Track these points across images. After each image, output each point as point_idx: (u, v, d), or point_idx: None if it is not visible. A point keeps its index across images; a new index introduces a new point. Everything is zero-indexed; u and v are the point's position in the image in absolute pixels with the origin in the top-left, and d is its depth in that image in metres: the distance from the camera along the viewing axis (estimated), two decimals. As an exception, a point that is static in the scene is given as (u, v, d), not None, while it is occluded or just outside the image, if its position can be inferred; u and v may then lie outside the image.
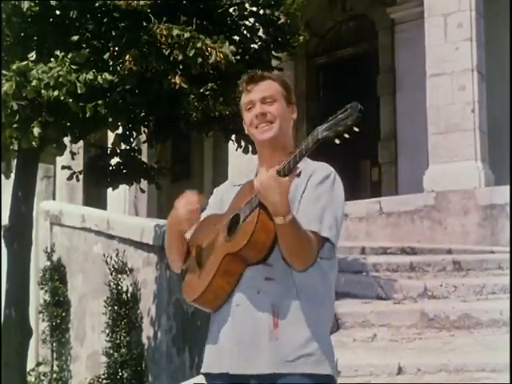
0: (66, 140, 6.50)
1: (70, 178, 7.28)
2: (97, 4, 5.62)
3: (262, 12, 6.41)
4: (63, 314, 9.98)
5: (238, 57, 5.76)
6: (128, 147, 7.21)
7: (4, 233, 6.99)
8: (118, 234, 9.08)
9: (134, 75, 5.65)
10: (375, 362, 4.57)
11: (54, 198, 12.06)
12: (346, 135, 2.13)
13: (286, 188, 2.15)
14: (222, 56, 5.41)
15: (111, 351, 8.39)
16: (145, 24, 5.52)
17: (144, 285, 8.49)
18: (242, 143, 6.58)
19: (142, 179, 7.46)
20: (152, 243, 8.25)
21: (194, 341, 7.38)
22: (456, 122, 8.55)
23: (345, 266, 6.60)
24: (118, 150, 7.24)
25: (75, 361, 9.83)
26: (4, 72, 5.46)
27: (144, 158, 8.01)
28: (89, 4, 5.67)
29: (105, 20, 5.68)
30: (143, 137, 7.35)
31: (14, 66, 5.42)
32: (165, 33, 5.38)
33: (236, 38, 6.21)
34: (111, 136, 7.35)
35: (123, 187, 8.29)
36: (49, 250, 10.38)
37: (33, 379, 9.86)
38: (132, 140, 7.14)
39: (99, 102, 5.60)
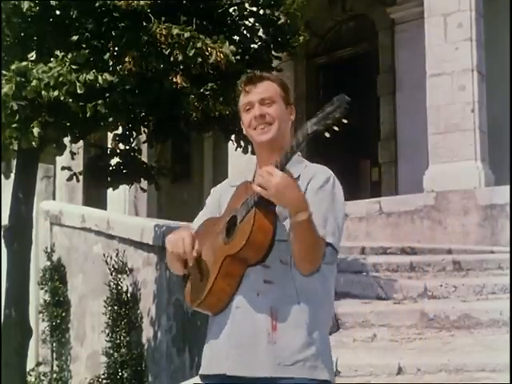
0: (66, 140, 6.49)
1: (69, 179, 7.27)
2: (97, 4, 5.62)
3: (262, 12, 6.41)
4: (63, 314, 9.98)
5: (238, 57, 5.75)
6: (128, 147, 7.21)
7: (4, 233, 6.98)
8: (118, 234, 9.08)
9: (133, 75, 5.65)
10: (375, 362, 4.57)
11: (54, 198, 12.06)
12: (336, 128, 2.13)
13: (296, 183, 2.16)
14: (222, 56, 5.41)
15: (111, 351, 8.39)
16: (145, 24, 5.52)
17: (144, 285, 8.49)
18: (242, 143, 6.58)
19: (142, 179, 7.46)
20: (152, 243, 8.25)
21: (193, 341, 7.37)
22: (456, 122, 8.55)
23: (345, 266, 6.60)
24: (118, 150, 7.24)
25: (75, 361, 9.83)
26: (4, 72, 5.46)
27: (144, 158, 8.01)
28: (89, 4, 5.66)
29: (105, 20, 5.68)
30: (143, 137, 7.34)
31: (14, 67, 5.42)
32: (165, 33, 5.37)
33: (236, 37, 6.21)
34: (111, 136, 7.35)
35: (123, 187, 8.29)
36: (49, 250, 10.38)
37: (33, 379, 9.86)
38: (132, 140, 7.14)
39: (99, 101, 5.60)
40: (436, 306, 5.72)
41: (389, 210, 8.90)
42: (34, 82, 5.34)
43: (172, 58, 5.47)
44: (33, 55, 5.98)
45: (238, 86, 2.47)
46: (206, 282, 2.30)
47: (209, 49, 5.42)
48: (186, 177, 14.50)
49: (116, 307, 8.46)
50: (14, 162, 6.65)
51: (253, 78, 2.43)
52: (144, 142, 7.40)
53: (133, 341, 8.38)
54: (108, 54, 5.73)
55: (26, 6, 5.53)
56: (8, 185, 7.11)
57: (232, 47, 5.58)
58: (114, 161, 7.30)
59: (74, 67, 5.41)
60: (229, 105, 5.76)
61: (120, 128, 6.91)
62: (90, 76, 5.38)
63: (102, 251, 9.27)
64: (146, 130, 6.94)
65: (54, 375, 10.00)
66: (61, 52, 5.59)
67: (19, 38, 5.90)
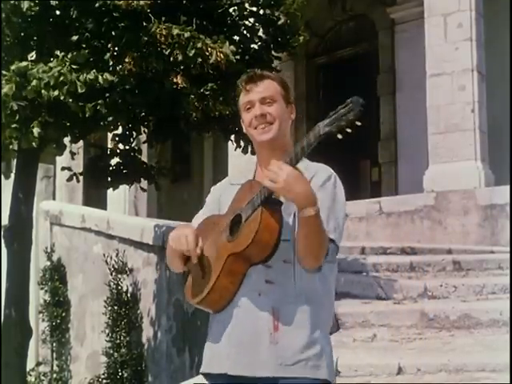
0: (66, 140, 6.49)
1: (69, 179, 7.27)
2: (97, 4, 5.61)
3: (262, 12, 6.41)
4: (63, 314, 9.98)
5: (238, 57, 5.75)
6: (128, 147, 7.21)
7: (4, 233, 6.98)
8: (118, 234, 9.08)
9: (133, 76, 5.65)
10: (375, 362, 4.57)
11: (54, 198, 12.06)
12: (349, 130, 2.12)
13: (305, 178, 2.16)
14: (222, 56, 5.41)
15: (111, 351, 8.39)
16: (145, 24, 5.52)
17: (144, 285, 8.49)
18: (242, 143, 6.58)
19: (142, 179, 7.46)
20: (152, 243, 8.25)
21: (193, 341, 7.37)
22: (456, 122, 8.55)
23: (345, 266, 6.60)
24: (118, 150, 7.24)
25: (75, 361, 9.83)
26: (4, 72, 5.46)
27: (144, 158, 8.01)
28: (89, 4, 5.66)
29: (105, 20, 5.68)
30: (143, 137, 7.35)
31: (14, 67, 5.42)
32: (165, 33, 5.37)
33: (236, 37, 6.20)
34: (111, 136, 7.34)
35: (123, 187, 8.29)
36: (49, 250, 10.38)
37: (33, 379, 9.86)
38: (132, 140, 7.14)
39: (99, 101, 5.60)
40: (436, 306, 5.72)
41: (389, 210, 8.90)
42: (34, 82, 5.34)
43: (172, 59, 5.47)
44: (33, 55, 5.98)
45: (239, 85, 2.45)
46: (209, 279, 2.29)
47: (209, 49, 5.42)
48: (186, 177, 14.50)
49: (116, 307, 8.46)
50: (14, 162, 6.66)
51: (253, 76, 2.42)
52: (144, 142, 7.40)
53: (133, 341, 8.38)
54: (108, 54, 5.73)
55: (26, 5, 5.53)
56: (8, 185, 7.11)
57: (232, 47, 5.57)
58: (114, 161, 7.30)
59: (74, 67, 5.41)
60: (229, 105, 5.75)
61: (120, 128, 6.91)
62: (91, 76, 5.38)
63: (101, 251, 9.27)
64: (146, 130, 6.94)
65: (54, 375, 10.00)
66: (61, 52, 5.59)
67: (19, 38, 5.90)
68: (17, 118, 5.53)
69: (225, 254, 2.26)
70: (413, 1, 10.67)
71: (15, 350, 6.87)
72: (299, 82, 12.16)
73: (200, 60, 5.45)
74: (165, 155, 13.44)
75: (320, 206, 2.20)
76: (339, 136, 2.12)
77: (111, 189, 7.68)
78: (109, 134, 7.57)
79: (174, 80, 5.55)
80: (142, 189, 8.11)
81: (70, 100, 5.44)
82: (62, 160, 9.64)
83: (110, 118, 5.99)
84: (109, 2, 5.54)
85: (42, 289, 10.20)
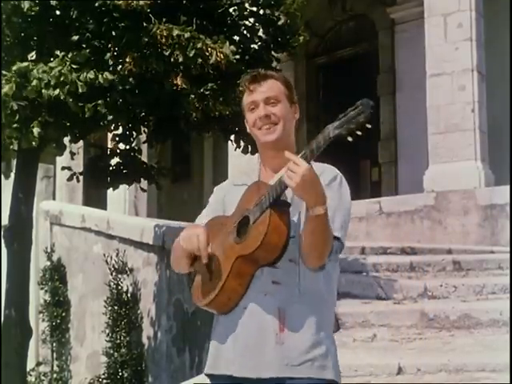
0: (66, 140, 6.49)
1: (69, 179, 7.27)
2: (97, 4, 5.61)
3: (262, 12, 6.40)
4: (63, 314, 9.98)
5: (238, 57, 5.75)
6: (128, 147, 7.21)
7: (4, 233, 6.98)
8: (118, 234, 9.08)
9: (134, 76, 5.65)
10: (375, 362, 4.57)
11: (54, 198, 12.06)
12: (359, 132, 2.11)
13: (318, 178, 2.15)
14: (222, 56, 5.41)
15: (111, 351, 8.39)
16: (145, 25, 5.51)
17: (144, 285, 8.49)
18: (242, 143, 6.58)
19: (142, 179, 7.46)
20: (152, 243, 8.24)
21: (193, 341, 7.38)
22: (456, 122, 8.55)
23: (345, 266, 6.60)
24: (118, 150, 7.24)
25: (75, 361, 9.83)
26: (4, 72, 5.46)
27: (144, 158, 8.01)
28: (89, 4, 5.66)
29: (105, 20, 5.67)
30: (143, 137, 7.35)
31: (15, 67, 5.41)
32: (165, 34, 5.37)
33: (236, 38, 6.20)
34: (111, 136, 7.34)
35: (123, 187, 8.29)
36: (49, 250, 10.38)
37: (33, 379, 9.86)
38: (132, 140, 7.14)
39: (99, 101, 5.60)
40: (436, 306, 5.72)
41: (389, 210, 8.90)
42: (35, 82, 5.34)
43: (172, 59, 5.47)
44: (33, 55, 5.98)
45: (242, 85, 2.44)
46: (217, 280, 2.28)
47: (209, 49, 5.41)
48: (186, 177, 14.50)
49: (116, 307, 8.46)
50: (14, 162, 6.66)
51: (257, 76, 2.41)
52: (144, 142, 7.40)
53: (133, 341, 8.38)
54: (108, 54, 5.73)
55: (26, 5, 5.53)
56: (8, 185, 7.11)
57: (232, 47, 5.57)
58: (114, 161, 7.30)
59: (74, 67, 5.41)
60: (229, 105, 5.75)
61: (120, 128, 6.91)
62: (91, 75, 5.38)
63: (102, 251, 9.27)
64: (146, 130, 6.94)
65: (54, 375, 10.00)
66: (61, 52, 5.59)
67: (19, 38, 5.90)
68: (17, 117, 5.53)
69: (233, 255, 2.25)
70: (413, 1, 10.67)
71: (15, 350, 6.87)
72: (299, 82, 12.16)
73: (200, 60, 5.44)
74: (165, 155, 13.45)
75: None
76: (349, 139, 2.11)
77: (111, 189, 7.69)
78: (109, 133, 7.57)
79: (174, 81, 5.55)
80: (141, 189, 8.11)
81: (71, 100, 5.43)
82: (62, 160, 9.64)
83: (110, 118, 5.99)
84: (109, 1, 5.54)
85: (42, 289, 10.20)
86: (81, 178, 7.27)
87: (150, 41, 5.47)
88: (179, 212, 12.79)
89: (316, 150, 2.14)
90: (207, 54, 5.41)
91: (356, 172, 11.48)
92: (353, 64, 11.85)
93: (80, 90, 5.36)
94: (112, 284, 8.58)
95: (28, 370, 8.15)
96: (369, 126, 2.09)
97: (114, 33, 5.70)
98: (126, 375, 8.27)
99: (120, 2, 5.38)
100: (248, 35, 6.36)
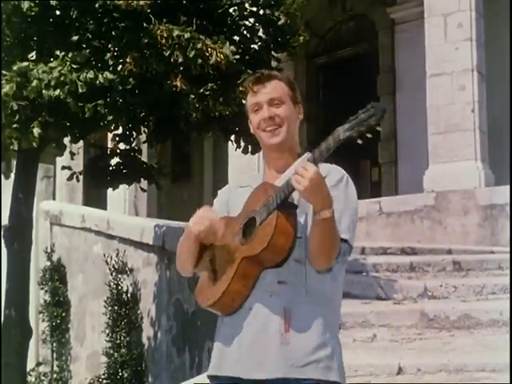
0: (66, 140, 6.49)
1: (70, 179, 7.28)
2: (97, 4, 5.62)
3: (262, 12, 6.40)
4: (63, 314, 9.98)
5: (238, 56, 5.75)
6: (128, 147, 7.21)
7: (4, 233, 6.98)
8: (118, 234, 9.08)
9: (134, 76, 5.65)
10: (375, 362, 4.57)
11: (54, 198, 12.06)
12: (369, 135, 2.11)
13: (325, 181, 2.16)
14: (222, 57, 5.41)
15: (111, 351, 8.39)
16: (145, 25, 5.51)
17: (144, 285, 8.49)
18: (242, 143, 6.58)
19: (142, 179, 7.47)
20: (152, 243, 8.24)
21: (193, 341, 7.38)
22: (456, 121, 8.55)
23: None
24: (118, 150, 7.24)
25: (75, 361, 9.83)
26: (4, 72, 5.46)
27: (144, 158, 8.01)
28: (89, 4, 5.66)
29: (105, 20, 5.68)
30: (143, 137, 7.35)
31: (15, 67, 5.42)
32: (165, 34, 5.37)
33: (236, 38, 6.20)
34: (111, 136, 7.35)
35: (123, 187, 8.29)
36: (49, 250, 10.38)
37: (33, 379, 9.86)
38: (132, 140, 7.14)
39: (99, 101, 5.60)
40: (436, 306, 5.72)
41: (389, 210, 8.90)
42: (35, 82, 5.34)
43: (172, 60, 5.47)
44: (33, 55, 5.98)
45: (246, 86, 2.44)
46: (221, 282, 2.27)
47: (209, 49, 5.42)
48: (186, 177, 14.50)
49: (116, 307, 8.46)
50: (14, 162, 6.65)
51: (261, 77, 2.40)
52: (144, 142, 7.41)
53: (133, 341, 8.38)
54: (108, 55, 5.74)
55: (26, 5, 5.53)
56: (8, 185, 7.11)
57: (232, 47, 5.57)
58: (114, 161, 7.30)
59: (74, 67, 5.41)
60: (229, 105, 5.75)
61: (120, 128, 6.91)
62: (91, 75, 5.39)
63: (101, 251, 9.27)
64: (146, 130, 6.94)
65: (54, 375, 10.00)
66: (61, 52, 5.59)
67: (19, 38, 5.90)
68: (17, 117, 5.53)
69: (238, 256, 2.24)
70: (413, 1, 10.67)
71: (15, 349, 6.87)
72: (299, 82, 12.12)
73: (200, 61, 5.44)
74: (165, 155, 13.44)
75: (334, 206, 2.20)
76: (359, 141, 2.12)
77: (111, 189, 7.68)
78: (109, 133, 7.57)
79: (174, 82, 5.55)
80: (141, 189, 8.11)
81: (71, 100, 5.43)
82: (62, 160, 9.63)
83: (110, 118, 5.98)
84: (109, 2, 5.54)
85: (42, 289, 10.20)
86: (81, 177, 7.27)
87: (150, 41, 5.47)
88: (179, 212, 12.77)
89: (325, 152, 2.14)
90: (207, 54, 5.41)
91: (356, 172, 11.47)
92: (353, 64, 11.85)
93: (80, 90, 5.36)
94: (112, 284, 8.58)
95: (28, 370, 8.15)
96: (379, 128, 2.10)
97: (114, 33, 5.71)
98: (125, 375, 8.27)
99: (120, 2, 5.38)
100: (248, 35, 6.36)
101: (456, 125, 8.55)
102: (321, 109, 12.17)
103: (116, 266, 8.65)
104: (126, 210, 12.43)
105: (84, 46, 5.69)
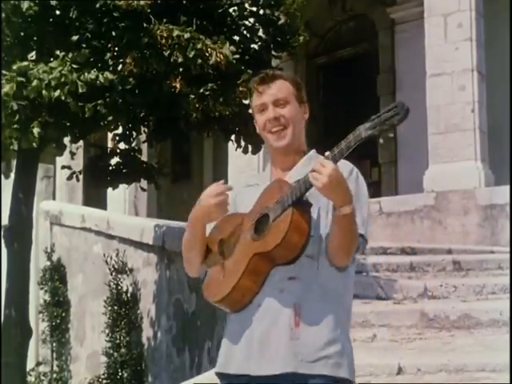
0: (66, 140, 6.49)
1: (69, 178, 7.28)
2: (97, 4, 5.61)
3: (262, 12, 6.40)
4: (63, 314, 9.98)
5: (238, 56, 5.75)
6: (128, 147, 7.22)
7: (4, 233, 6.98)
8: (118, 234, 9.08)
9: (134, 76, 5.65)
10: (375, 362, 4.56)
11: (54, 198, 12.06)
12: (391, 135, 2.11)
13: (344, 177, 2.16)
14: (222, 57, 5.41)
15: (111, 351, 8.39)
16: (145, 25, 5.52)
17: (144, 285, 8.49)
18: (242, 143, 6.58)
19: (141, 179, 7.47)
20: (152, 243, 8.24)
21: (193, 341, 7.37)
22: (456, 121, 8.55)
23: (345, 266, 6.59)
24: (118, 150, 7.24)
25: (75, 361, 9.83)
26: (4, 72, 5.46)
27: (144, 158, 8.01)
28: (89, 4, 5.66)
29: (105, 20, 5.68)
30: (143, 136, 7.35)
31: (15, 67, 5.42)
32: (165, 34, 5.37)
33: (236, 38, 6.20)
34: (111, 136, 7.35)
35: (123, 187, 8.28)
36: (49, 250, 10.38)
37: (33, 379, 9.86)
38: (132, 140, 7.14)
39: (99, 101, 5.60)
40: (436, 306, 5.72)
41: (389, 210, 8.90)
42: (35, 82, 5.34)
43: (172, 60, 5.47)
44: (33, 55, 5.98)
45: (251, 86, 2.44)
46: (230, 277, 2.26)
47: (209, 50, 5.42)
48: (186, 177, 14.49)
49: (116, 307, 8.46)
50: (14, 162, 6.66)
51: (265, 77, 2.40)
52: (144, 142, 7.41)
53: (133, 341, 8.38)
54: (108, 55, 5.74)
55: (25, 5, 5.53)
56: (8, 185, 7.11)
57: (232, 47, 5.57)
58: (114, 160, 7.30)
59: (75, 67, 5.41)
60: (229, 105, 5.75)
61: (120, 128, 6.91)
62: (92, 76, 5.39)
63: (101, 251, 9.27)
64: (146, 130, 6.94)
65: (54, 375, 10.00)
66: (61, 52, 5.59)
67: (19, 38, 5.90)
68: (17, 117, 5.53)
69: (249, 252, 2.23)
70: (413, 1, 10.67)
71: (15, 349, 6.87)
72: (299, 82, 12.15)
73: (200, 61, 5.45)
74: (165, 155, 13.44)
75: None
76: (380, 140, 2.12)
77: (111, 188, 7.68)
78: (109, 133, 7.57)
79: (173, 83, 5.55)
80: (141, 188, 8.11)
81: (71, 100, 5.43)
82: (62, 160, 9.63)
83: (110, 118, 5.99)
84: (109, 1, 5.54)
85: (41, 289, 10.20)
86: (81, 177, 7.28)
87: (150, 41, 5.47)
88: (179, 212, 12.77)
89: (346, 150, 2.15)
90: (207, 54, 5.41)
91: (356, 172, 11.47)
92: (353, 64, 11.85)
93: (80, 90, 5.36)
94: (112, 284, 8.58)
95: (28, 369, 8.15)
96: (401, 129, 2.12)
97: (114, 33, 5.71)
98: (125, 375, 8.27)
99: (120, 3, 5.39)
100: (248, 35, 6.36)
101: (456, 125, 8.55)
102: (321, 109, 12.15)
103: (116, 266, 8.65)
104: (125, 209, 12.43)
105: (84, 45, 5.69)
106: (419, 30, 9.44)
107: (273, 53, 6.51)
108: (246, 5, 6.34)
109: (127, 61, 5.51)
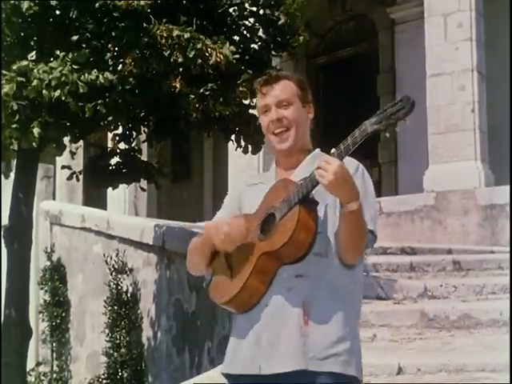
0: (66, 140, 6.49)
1: (69, 178, 7.28)
2: (97, 4, 5.61)
3: (262, 12, 6.40)
4: (63, 314, 9.98)
5: (238, 56, 5.75)
6: (128, 147, 7.22)
7: (4, 233, 6.98)
8: (118, 234, 9.08)
9: (134, 76, 5.65)
10: (375, 362, 4.56)
11: (54, 198, 12.06)
12: (397, 129, 2.11)
13: (350, 174, 2.16)
14: (222, 57, 5.41)
15: (111, 351, 8.39)
16: (145, 25, 5.52)
17: (144, 285, 8.49)
18: (242, 143, 6.58)
19: (141, 179, 7.47)
20: (152, 243, 8.24)
21: (193, 341, 7.37)
22: (456, 121, 8.56)
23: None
24: (118, 150, 7.24)
25: (75, 361, 9.83)
26: (4, 72, 5.46)
27: (144, 158, 8.01)
28: (89, 4, 5.66)
29: (105, 20, 5.68)
30: (143, 136, 7.35)
31: (15, 67, 5.41)
32: (165, 34, 5.37)
33: (236, 38, 6.20)
34: (111, 136, 7.35)
35: (123, 187, 8.28)
36: (49, 250, 10.37)
37: (33, 379, 9.86)
38: (132, 140, 7.14)
39: (99, 101, 5.60)
40: (436, 306, 5.72)
41: (389, 210, 8.90)
42: (35, 82, 5.34)
43: (172, 60, 5.47)
44: (33, 55, 5.98)
45: (255, 87, 2.45)
46: (238, 278, 2.25)
47: (209, 50, 5.42)
48: (186, 177, 14.50)
49: (116, 307, 8.46)
50: (14, 162, 6.66)
51: (269, 79, 2.41)
52: (144, 142, 7.41)
53: (133, 341, 8.37)
54: (108, 55, 5.74)
55: (25, 5, 5.53)
56: (8, 185, 7.11)
57: (232, 47, 5.57)
58: (114, 160, 7.30)
59: (75, 67, 5.41)
60: (229, 105, 5.75)
61: (120, 128, 6.91)
62: (92, 76, 5.39)
63: (101, 251, 9.27)
64: (146, 130, 6.94)
65: (54, 375, 10.00)
66: (61, 52, 5.59)
67: (19, 38, 5.89)
68: (17, 118, 5.53)
69: (256, 252, 2.23)
70: (413, 1, 10.67)
71: (15, 349, 6.87)
72: (299, 82, 12.15)
73: (200, 61, 5.44)
74: (165, 155, 13.44)
75: None
76: (387, 135, 2.12)
77: (111, 188, 7.68)
78: (109, 133, 7.57)
79: (173, 83, 5.55)
80: (141, 188, 8.11)
81: (71, 100, 5.43)
82: (62, 160, 9.63)
83: (110, 118, 5.99)
84: (109, 1, 5.54)
85: (41, 289, 10.20)
86: (81, 177, 7.27)
87: (149, 41, 5.47)
88: (179, 212, 12.80)
89: (352, 146, 2.15)
90: (207, 54, 5.41)
91: (356, 172, 11.47)
92: (353, 64, 11.86)
93: (81, 91, 5.36)
94: (112, 284, 8.57)
95: (28, 369, 8.15)
96: (408, 122, 2.11)
97: (114, 33, 5.70)
98: (125, 375, 8.27)
99: (120, 3, 5.39)
100: (248, 35, 6.36)
101: (456, 125, 8.55)
102: (321, 109, 12.14)
103: (116, 266, 8.65)
104: (125, 209, 12.44)
105: (84, 46, 5.69)
106: (419, 30, 9.45)
107: (273, 53, 6.51)
108: (246, 5, 6.33)
109: (127, 61, 5.51)
